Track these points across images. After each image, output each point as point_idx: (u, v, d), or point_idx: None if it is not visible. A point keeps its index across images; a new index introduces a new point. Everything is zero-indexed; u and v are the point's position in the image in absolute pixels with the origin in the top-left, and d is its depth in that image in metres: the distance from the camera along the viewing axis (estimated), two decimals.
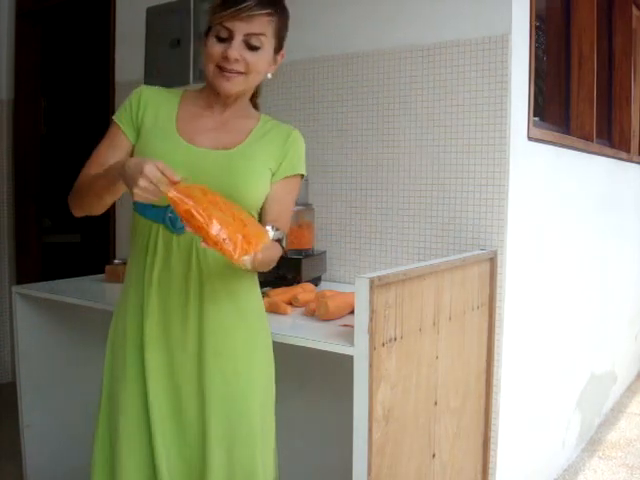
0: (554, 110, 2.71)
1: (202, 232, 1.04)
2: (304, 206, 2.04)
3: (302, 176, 1.40)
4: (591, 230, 2.76)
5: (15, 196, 3.51)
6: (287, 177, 1.36)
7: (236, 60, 1.24)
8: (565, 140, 2.41)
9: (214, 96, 1.33)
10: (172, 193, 1.05)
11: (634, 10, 3.38)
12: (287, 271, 1.94)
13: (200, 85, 1.40)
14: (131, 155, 1.32)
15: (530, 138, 2.00)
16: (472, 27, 1.87)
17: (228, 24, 1.23)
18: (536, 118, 2.20)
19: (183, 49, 2.59)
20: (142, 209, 1.30)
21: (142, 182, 1.05)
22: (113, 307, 1.42)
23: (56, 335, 2.12)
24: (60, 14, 3.63)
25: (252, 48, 1.25)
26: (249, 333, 1.34)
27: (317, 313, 1.60)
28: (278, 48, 1.32)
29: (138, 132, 1.32)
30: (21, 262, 3.52)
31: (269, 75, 1.34)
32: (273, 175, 1.34)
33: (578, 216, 2.58)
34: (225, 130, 1.34)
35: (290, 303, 1.73)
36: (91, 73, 4.27)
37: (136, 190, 1.07)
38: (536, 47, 2.04)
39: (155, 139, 1.29)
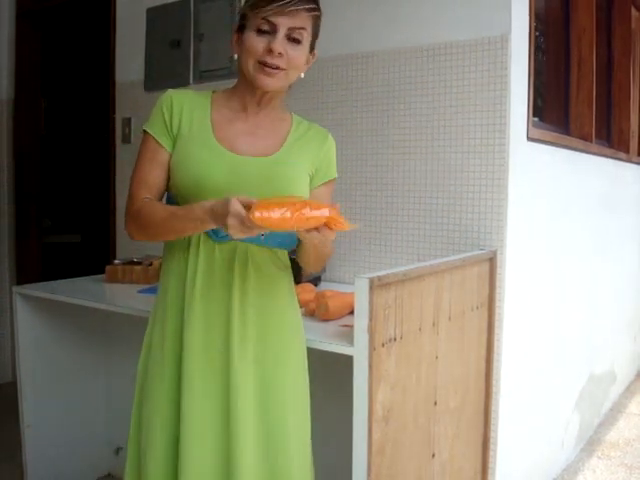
0: (553, 111, 2.71)
1: (301, 223, 1.07)
2: None
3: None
4: (590, 230, 2.77)
5: (15, 196, 3.51)
6: (327, 182, 1.38)
7: (280, 54, 1.22)
8: (564, 141, 2.42)
9: (249, 96, 1.30)
10: (256, 215, 1.05)
11: (633, 11, 3.39)
12: None
13: (205, 84, 1.39)
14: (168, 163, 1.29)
15: (530, 139, 2.00)
16: (472, 28, 1.88)
17: (272, 18, 1.21)
18: (535, 119, 2.21)
19: (183, 49, 2.60)
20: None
21: (232, 221, 1.07)
22: (150, 309, 1.38)
23: (56, 335, 2.13)
24: (60, 14, 3.63)
25: (295, 41, 1.24)
26: (300, 340, 1.37)
27: (317, 313, 1.60)
28: (312, 47, 1.32)
29: (174, 141, 1.29)
30: (21, 262, 3.52)
31: (302, 75, 1.32)
32: (311, 179, 1.35)
33: (577, 216, 2.59)
34: (261, 134, 1.32)
35: None
36: (91, 73, 4.28)
37: (230, 231, 1.08)
38: (535, 48, 2.05)
39: (194, 147, 1.27)
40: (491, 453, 1.89)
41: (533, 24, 1.96)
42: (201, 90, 1.38)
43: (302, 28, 1.24)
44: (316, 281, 2.06)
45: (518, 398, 2.04)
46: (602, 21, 3.08)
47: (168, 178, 1.30)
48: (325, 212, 1.08)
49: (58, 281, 2.14)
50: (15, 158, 3.48)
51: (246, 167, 1.26)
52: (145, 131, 1.30)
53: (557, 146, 2.30)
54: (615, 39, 3.33)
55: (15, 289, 2.03)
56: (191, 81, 2.56)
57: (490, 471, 1.90)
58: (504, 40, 1.82)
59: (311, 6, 1.24)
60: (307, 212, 1.06)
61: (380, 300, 1.29)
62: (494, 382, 1.87)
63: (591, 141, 2.71)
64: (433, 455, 1.56)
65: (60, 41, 4.30)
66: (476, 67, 1.88)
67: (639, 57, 3.57)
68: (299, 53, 1.26)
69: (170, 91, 1.32)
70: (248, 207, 1.06)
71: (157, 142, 1.28)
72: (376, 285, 1.27)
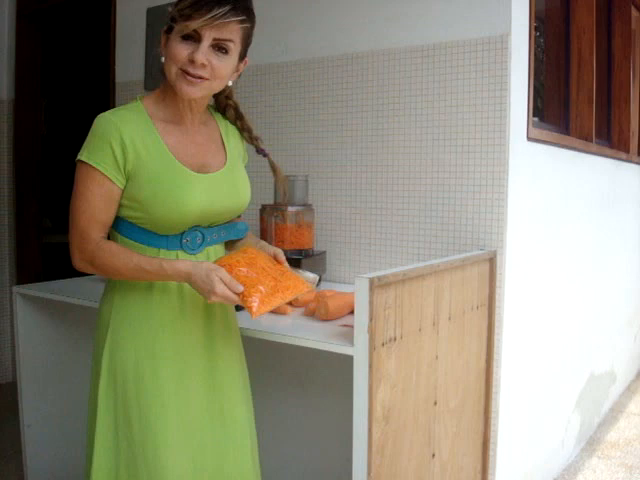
0: (553, 110, 2.71)
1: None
2: (304, 206, 2.04)
3: None
4: (590, 230, 2.77)
5: (15, 196, 3.51)
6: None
7: (202, 65, 1.19)
8: (564, 140, 2.42)
9: (181, 103, 1.29)
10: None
11: (633, 11, 3.39)
12: None
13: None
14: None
15: (529, 138, 2.00)
16: (472, 27, 1.88)
17: (197, 27, 1.17)
18: (535, 118, 2.21)
19: None
20: (151, 240, 1.27)
21: (215, 298, 1.18)
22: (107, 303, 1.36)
23: (56, 335, 2.13)
24: (60, 14, 3.64)
25: (221, 50, 1.21)
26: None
27: (317, 313, 1.60)
28: (243, 55, 1.29)
29: (128, 176, 1.23)
30: (21, 262, 3.52)
31: (230, 82, 1.31)
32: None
33: (577, 216, 2.59)
34: (206, 145, 1.33)
35: (290, 303, 1.73)
36: (91, 73, 4.28)
37: (210, 302, 1.20)
38: (535, 48, 2.05)
39: (166, 179, 1.23)
40: (491, 453, 1.89)
41: (533, 24, 1.96)
42: (162, 96, 1.32)
43: (229, 40, 1.21)
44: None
45: (518, 398, 2.04)
46: (602, 21, 3.08)
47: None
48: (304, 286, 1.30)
49: (58, 281, 2.14)
50: (15, 158, 3.48)
51: (215, 183, 1.30)
52: (85, 163, 1.21)
53: (557, 146, 2.30)
54: (615, 39, 3.33)
55: (15, 289, 2.03)
56: None
57: (490, 471, 1.90)
58: (504, 40, 1.82)
59: (242, 18, 1.20)
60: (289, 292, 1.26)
61: (380, 300, 1.29)
62: (494, 382, 1.87)
63: (591, 141, 2.71)
64: (433, 455, 1.56)
65: (60, 41, 4.30)
66: (476, 67, 1.88)
67: (639, 57, 3.57)
68: (225, 63, 1.23)
69: (111, 119, 1.23)
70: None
71: (107, 178, 1.21)
72: (376, 285, 1.27)
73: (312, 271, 2.03)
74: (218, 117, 1.41)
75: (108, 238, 1.29)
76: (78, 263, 1.26)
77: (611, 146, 3.27)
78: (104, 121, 1.23)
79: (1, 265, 3.49)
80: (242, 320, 1.57)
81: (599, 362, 2.99)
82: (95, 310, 1.89)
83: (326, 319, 1.57)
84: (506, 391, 1.92)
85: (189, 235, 1.29)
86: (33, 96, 3.49)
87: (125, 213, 1.26)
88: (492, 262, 1.83)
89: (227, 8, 1.17)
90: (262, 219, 2.03)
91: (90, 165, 1.21)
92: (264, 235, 2.02)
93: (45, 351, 2.09)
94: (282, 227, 1.98)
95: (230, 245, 1.46)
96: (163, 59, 1.25)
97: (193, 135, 1.32)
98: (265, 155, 1.45)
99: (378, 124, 2.09)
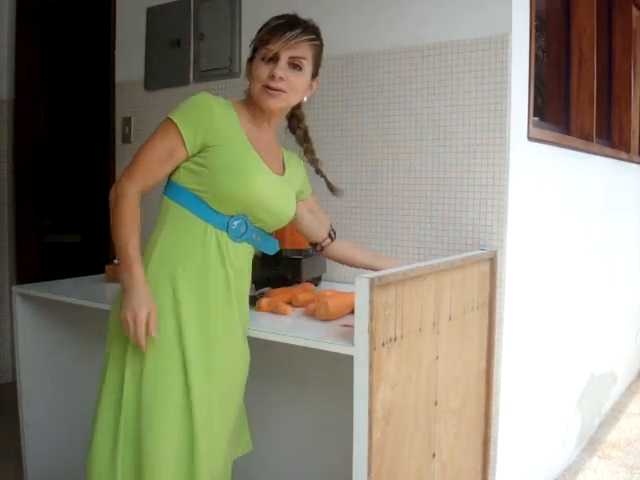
0: (554, 110, 2.71)
1: None
2: None
3: None
4: (591, 230, 2.76)
5: (15, 196, 3.51)
6: (308, 197, 1.66)
7: (281, 78, 1.38)
8: (565, 140, 2.41)
9: (260, 113, 1.46)
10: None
11: (634, 10, 3.38)
12: (287, 271, 1.94)
13: (205, 84, 1.47)
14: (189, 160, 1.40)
15: (530, 138, 2.00)
16: (472, 27, 1.87)
17: (275, 48, 1.38)
18: (536, 118, 2.20)
19: (183, 49, 2.59)
20: (204, 212, 1.39)
21: (129, 317, 1.31)
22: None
23: (56, 335, 2.12)
24: (60, 14, 3.63)
25: (295, 67, 1.41)
26: None
27: (317, 313, 1.60)
28: (315, 74, 1.49)
29: (204, 146, 1.37)
30: (21, 262, 3.52)
31: (305, 98, 1.50)
32: (296, 196, 1.59)
33: (578, 216, 2.58)
34: (272, 152, 1.51)
35: (290, 303, 1.73)
36: (91, 73, 4.27)
37: (120, 317, 1.33)
38: (536, 47, 2.04)
39: (241, 160, 1.39)
40: (491, 453, 1.89)
41: (534, 23, 1.96)
42: (247, 105, 1.48)
43: (302, 57, 1.42)
44: (316, 281, 2.06)
45: (519, 398, 2.04)
46: (603, 20, 3.07)
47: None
48: None
49: (58, 281, 2.14)
50: (15, 158, 3.48)
51: (276, 183, 1.46)
52: (172, 121, 1.36)
53: (558, 145, 2.30)
54: (616, 38, 3.32)
55: (15, 289, 2.03)
56: (191, 81, 2.56)
57: (490, 471, 1.89)
58: (504, 39, 1.82)
59: (311, 37, 1.43)
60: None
61: (380, 300, 1.29)
62: (494, 382, 1.87)
63: (592, 140, 2.70)
64: (433, 455, 1.56)
65: (60, 41, 4.30)
66: (476, 66, 1.87)
67: None
68: (299, 79, 1.42)
69: (209, 96, 1.40)
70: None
71: (182, 140, 1.35)
72: (376, 285, 1.26)
73: (312, 271, 2.03)
74: (282, 148, 1.59)
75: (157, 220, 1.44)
76: (112, 196, 1.37)
77: (612, 146, 3.26)
78: (205, 96, 1.40)
79: (1, 265, 3.49)
80: None
81: (600, 362, 2.99)
82: (94, 310, 1.90)
83: (326, 319, 1.57)
84: (506, 391, 1.91)
85: (237, 220, 1.41)
86: (33, 96, 3.49)
87: (189, 180, 1.38)
88: (493, 262, 1.83)
89: (299, 31, 1.40)
90: None
91: (173, 122, 1.36)
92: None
93: (45, 351, 2.09)
94: (282, 227, 1.98)
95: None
96: (248, 83, 1.47)
97: (265, 140, 1.48)
98: (323, 176, 1.64)
99: (378, 124, 2.09)
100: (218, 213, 1.39)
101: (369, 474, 1.27)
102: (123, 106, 2.83)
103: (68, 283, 2.11)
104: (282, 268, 1.94)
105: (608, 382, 3.17)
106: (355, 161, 2.14)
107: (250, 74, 1.45)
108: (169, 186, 1.43)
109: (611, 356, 3.17)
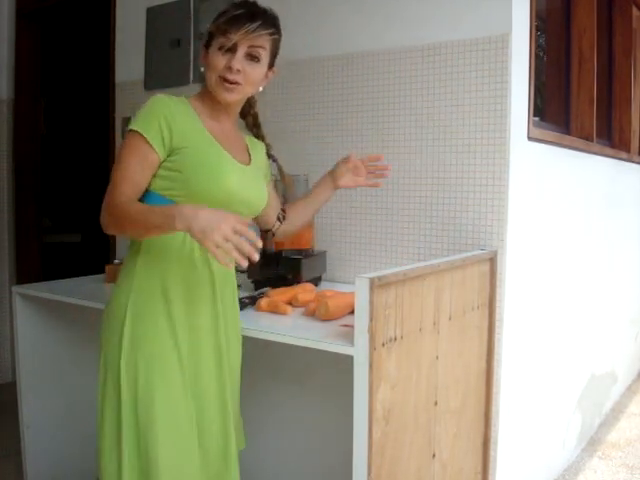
0: (554, 110, 2.71)
1: None
2: None
3: None
4: (591, 230, 2.76)
5: (15, 196, 3.51)
6: (268, 182, 1.63)
7: (238, 71, 1.36)
8: (565, 140, 2.41)
9: (218, 105, 1.43)
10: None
11: (634, 10, 3.38)
12: (287, 271, 1.94)
13: (191, 87, 1.45)
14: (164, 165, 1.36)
15: (530, 138, 2.00)
16: (472, 27, 1.87)
17: (234, 39, 1.34)
18: (536, 118, 2.20)
19: (183, 49, 2.59)
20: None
21: (217, 236, 1.14)
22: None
23: (56, 335, 2.12)
24: (60, 13, 3.63)
25: (253, 59, 1.37)
26: None
27: (317, 313, 1.60)
28: (271, 65, 1.45)
29: (171, 149, 1.34)
30: (21, 262, 3.52)
31: (260, 88, 1.46)
32: None
33: (578, 216, 2.58)
34: (235, 143, 1.48)
35: (290, 303, 1.73)
36: (91, 73, 4.27)
37: (208, 244, 1.15)
38: (536, 47, 2.04)
39: (208, 155, 1.36)
40: (492, 453, 1.89)
41: (534, 23, 1.96)
42: (202, 98, 1.45)
43: (261, 47, 1.39)
44: (316, 281, 2.06)
45: (519, 398, 2.04)
46: (603, 20, 3.07)
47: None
48: None
49: (58, 281, 2.14)
50: (15, 158, 3.48)
51: (246, 173, 1.44)
52: (135, 131, 1.33)
53: (558, 145, 2.30)
54: (616, 38, 3.32)
55: (15, 289, 2.03)
56: (191, 81, 2.56)
57: (490, 471, 1.89)
58: (505, 39, 1.81)
59: (271, 30, 1.40)
60: None
61: (380, 300, 1.29)
62: (495, 382, 1.87)
63: (592, 140, 2.70)
64: (433, 455, 1.56)
65: (60, 40, 4.30)
66: (476, 66, 1.87)
67: None
68: (256, 70, 1.40)
69: (164, 97, 1.37)
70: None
71: (150, 146, 1.32)
72: (376, 285, 1.26)
73: (312, 271, 2.03)
74: (243, 133, 1.57)
75: None
76: (103, 217, 1.32)
77: (612, 146, 3.26)
78: (159, 99, 1.36)
79: (1, 265, 3.49)
80: (242, 320, 1.57)
81: (600, 362, 2.99)
82: (94, 310, 1.90)
83: (326, 319, 1.57)
84: (506, 391, 1.91)
85: None
86: (33, 95, 3.49)
87: (163, 186, 1.35)
88: (493, 262, 1.83)
89: (259, 22, 1.36)
90: None
91: (137, 132, 1.32)
92: (264, 234, 2.01)
93: (45, 351, 2.09)
94: None
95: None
96: (202, 69, 1.42)
97: (227, 132, 1.46)
98: (274, 160, 1.62)
99: (378, 124, 2.09)
100: None
101: (369, 474, 1.27)
102: (123, 106, 2.83)
103: (68, 283, 2.11)
104: (282, 268, 1.94)
105: (608, 382, 3.16)
106: None
107: (206, 62, 1.40)
108: (144, 195, 1.38)
109: (611, 356, 3.17)
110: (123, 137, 2.96)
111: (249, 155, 1.52)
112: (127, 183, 1.31)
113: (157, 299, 1.37)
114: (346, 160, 1.67)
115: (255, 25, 1.35)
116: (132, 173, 1.32)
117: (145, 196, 1.37)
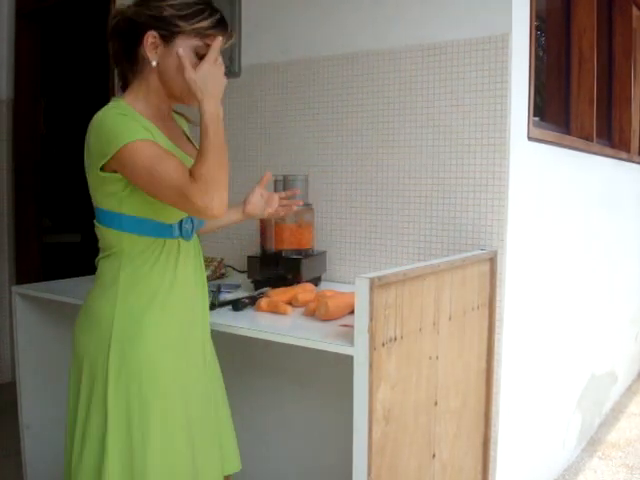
0: (554, 110, 2.71)
1: None
2: (304, 206, 2.04)
3: None
4: (591, 230, 2.76)
5: (15, 196, 3.51)
6: None
7: None
8: (565, 140, 2.41)
9: (163, 104, 1.37)
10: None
11: (634, 10, 3.38)
12: (287, 271, 1.94)
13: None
14: None
15: (530, 138, 2.00)
16: (472, 27, 1.87)
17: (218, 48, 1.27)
18: (536, 118, 2.20)
19: None
20: (155, 230, 1.33)
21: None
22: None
23: (56, 335, 2.12)
24: (59, 13, 3.63)
25: (201, 58, 1.29)
26: None
27: (317, 313, 1.60)
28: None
29: None
30: (21, 262, 3.52)
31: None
32: None
33: (578, 216, 2.58)
34: (180, 136, 1.45)
35: (290, 303, 1.73)
36: (90, 72, 4.27)
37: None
38: (536, 47, 2.04)
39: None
40: (492, 453, 1.89)
41: (534, 23, 1.96)
42: (145, 99, 1.35)
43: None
44: (316, 281, 2.06)
45: (519, 398, 2.04)
46: (603, 20, 3.07)
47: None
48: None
49: (58, 281, 2.14)
50: (15, 158, 3.48)
51: None
52: (128, 143, 1.21)
53: (558, 145, 2.30)
54: (616, 38, 3.32)
55: (15, 289, 2.03)
56: None
57: (490, 471, 1.89)
58: (505, 39, 1.81)
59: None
60: None
61: (380, 300, 1.29)
62: (495, 382, 1.87)
63: (592, 140, 2.70)
64: (433, 455, 1.56)
65: (59, 40, 4.30)
66: (476, 66, 1.87)
67: None
68: None
69: (116, 110, 1.27)
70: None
71: (152, 140, 1.24)
72: (376, 285, 1.26)
73: (312, 271, 2.03)
74: (174, 113, 1.49)
75: (105, 248, 1.47)
76: (209, 201, 1.19)
77: (612, 146, 3.26)
78: (114, 112, 1.26)
79: (1, 265, 3.49)
80: (242, 320, 1.57)
81: (600, 362, 2.99)
82: None
83: (326, 319, 1.57)
84: (506, 391, 1.91)
85: (187, 222, 1.39)
86: (32, 95, 3.49)
87: (130, 203, 1.30)
88: (493, 262, 1.83)
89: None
90: (261, 219, 2.02)
91: (131, 142, 1.21)
92: (263, 234, 2.01)
93: (45, 351, 2.09)
94: (282, 227, 1.98)
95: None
96: (154, 63, 1.29)
97: (172, 129, 1.42)
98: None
99: (378, 124, 2.09)
100: (170, 225, 1.35)
101: (369, 474, 1.27)
102: None
103: (68, 283, 2.11)
104: (282, 268, 1.94)
105: (608, 382, 3.16)
106: (355, 161, 2.14)
107: (165, 57, 1.28)
108: (110, 218, 1.35)
109: (611, 356, 3.17)
110: None
111: (187, 137, 1.49)
112: (176, 168, 1.20)
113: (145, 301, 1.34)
114: (260, 183, 1.66)
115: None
116: (168, 159, 1.21)
117: (113, 220, 1.35)
